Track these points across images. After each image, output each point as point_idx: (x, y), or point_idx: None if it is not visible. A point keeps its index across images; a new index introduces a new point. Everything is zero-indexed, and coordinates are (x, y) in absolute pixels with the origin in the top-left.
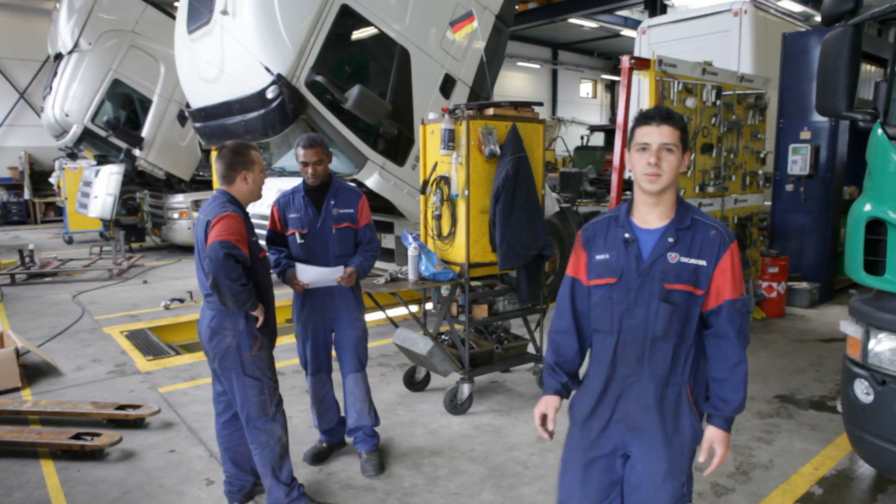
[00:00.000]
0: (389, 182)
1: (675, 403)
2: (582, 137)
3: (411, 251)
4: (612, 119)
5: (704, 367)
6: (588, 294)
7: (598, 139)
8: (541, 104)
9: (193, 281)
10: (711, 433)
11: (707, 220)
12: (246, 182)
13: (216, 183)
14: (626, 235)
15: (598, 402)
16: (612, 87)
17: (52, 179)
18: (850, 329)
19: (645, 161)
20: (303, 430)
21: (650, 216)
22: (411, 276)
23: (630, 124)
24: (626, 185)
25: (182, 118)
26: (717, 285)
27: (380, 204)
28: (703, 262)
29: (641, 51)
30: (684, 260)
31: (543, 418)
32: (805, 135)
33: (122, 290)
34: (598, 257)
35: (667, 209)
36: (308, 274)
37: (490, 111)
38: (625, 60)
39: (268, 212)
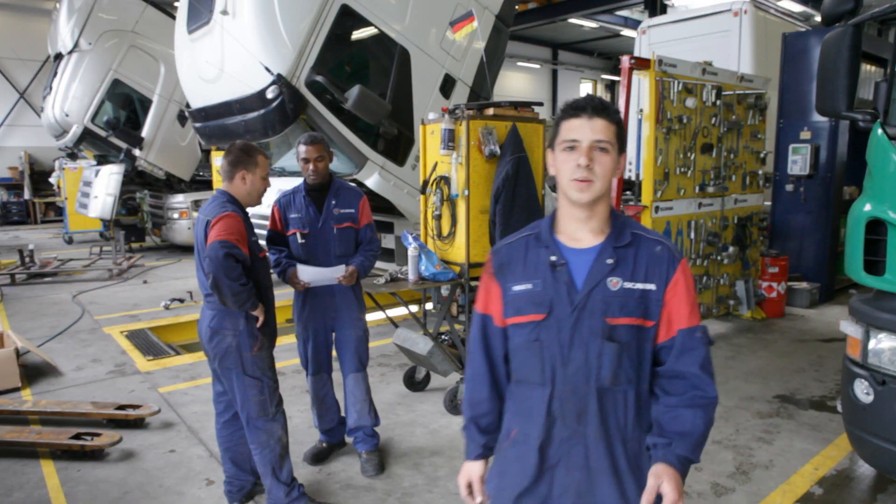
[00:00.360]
0: (389, 182)
1: (634, 461)
2: None
3: (411, 251)
4: None
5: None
6: (503, 336)
7: None
8: (541, 104)
9: (193, 281)
10: (659, 469)
11: (650, 235)
12: (244, 182)
13: (217, 183)
14: (553, 258)
15: (531, 476)
16: (612, 87)
17: (52, 179)
18: (850, 329)
19: (573, 163)
20: (303, 430)
21: (581, 233)
22: (411, 276)
23: (558, 116)
24: (627, 185)
25: (182, 118)
26: (669, 312)
27: (380, 204)
28: (651, 286)
29: (641, 51)
30: (628, 285)
31: (469, 487)
32: (805, 135)
33: (122, 290)
34: (517, 288)
35: (600, 223)
36: (308, 273)
37: (490, 111)
38: (625, 60)
39: (268, 212)
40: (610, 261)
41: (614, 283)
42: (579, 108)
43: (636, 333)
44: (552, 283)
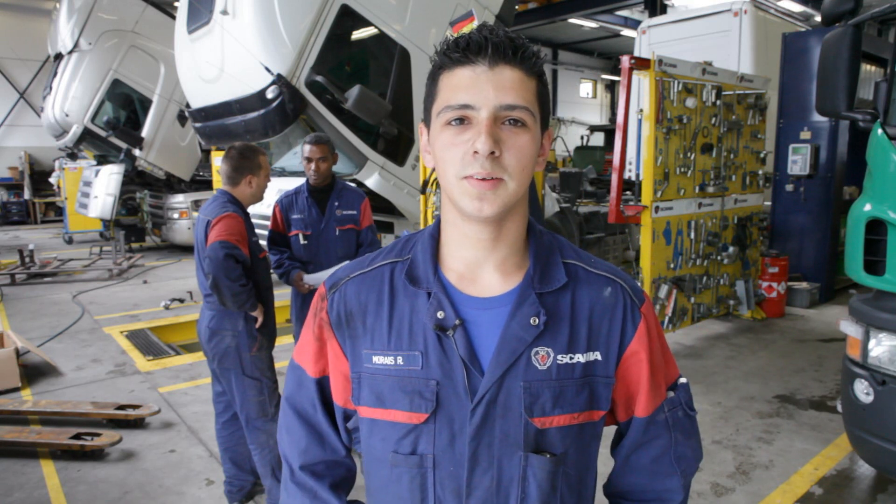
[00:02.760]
0: (389, 182)
1: None
2: (582, 137)
3: None
4: (612, 119)
5: None
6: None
7: (598, 139)
8: None
9: (193, 281)
10: None
11: (593, 267)
12: (250, 186)
13: (217, 183)
14: (440, 314)
15: None
16: (612, 87)
17: (52, 179)
18: (850, 329)
19: (465, 148)
20: None
21: (482, 268)
22: None
23: (433, 65)
24: (627, 185)
25: (182, 118)
26: (626, 389)
27: (380, 204)
28: (595, 356)
29: (641, 51)
30: (564, 360)
31: None
32: (805, 135)
33: (122, 290)
34: (380, 361)
35: (513, 251)
36: (315, 278)
37: None
38: (625, 60)
39: (268, 212)
40: (535, 320)
41: (542, 357)
42: (473, 48)
43: (578, 435)
44: (439, 358)
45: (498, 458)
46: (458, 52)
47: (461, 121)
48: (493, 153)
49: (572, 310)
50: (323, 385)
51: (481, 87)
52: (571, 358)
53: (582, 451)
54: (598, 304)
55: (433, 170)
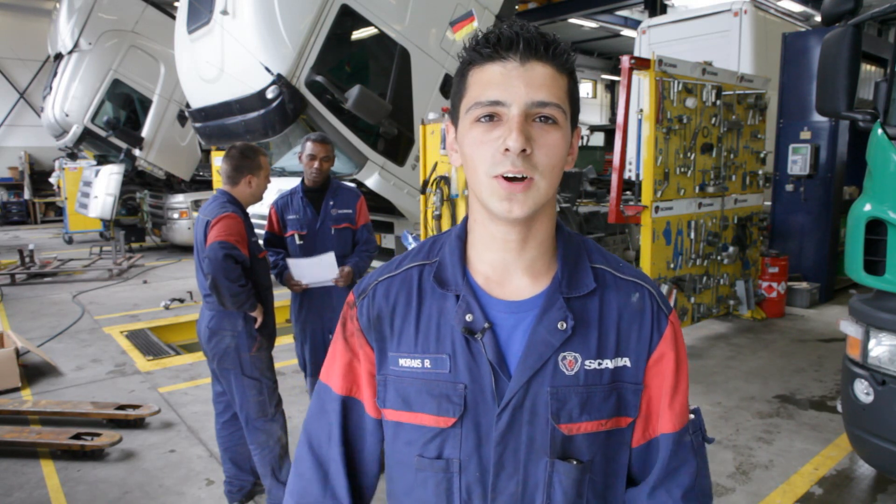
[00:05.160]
0: (389, 182)
1: None
2: (582, 137)
3: None
4: (612, 119)
5: None
6: (377, 432)
7: (598, 139)
8: None
9: (193, 281)
10: None
11: (621, 272)
12: (249, 186)
13: (217, 183)
14: (469, 317)
15: None
16: (612, 87)
17: (52, 179)
18: (850, 329)
19: (496, 145)
20: None
21: (509, 270)
22: None
23: (462, 61)
24: (627, 185)
25: (182, 118)
26: (648, 402)
27: (380, 204)
28: (625, 362)
29: (641, 51)
30: (592, 365)
31: None
32: (805, 135)
33: (122, 290)
34: (407, 363)
35: (541, 252)
36: (302, 270)
37: None
38: (625, 60)
39: (267, 212)
40: (562, 325)
41: (570, 362)
42: (504, 44)
43: (605, 442)
44: (467, 362)
45: (524, 464)
46: (489, 47)
47: (491, 118)
48: (524, 151)
49: (600, 315)
50: (347, 405)
51: (512, 84)
52: (600, 364)
53: (609, 459)
54: (626, 310)
55: (433, 170)
